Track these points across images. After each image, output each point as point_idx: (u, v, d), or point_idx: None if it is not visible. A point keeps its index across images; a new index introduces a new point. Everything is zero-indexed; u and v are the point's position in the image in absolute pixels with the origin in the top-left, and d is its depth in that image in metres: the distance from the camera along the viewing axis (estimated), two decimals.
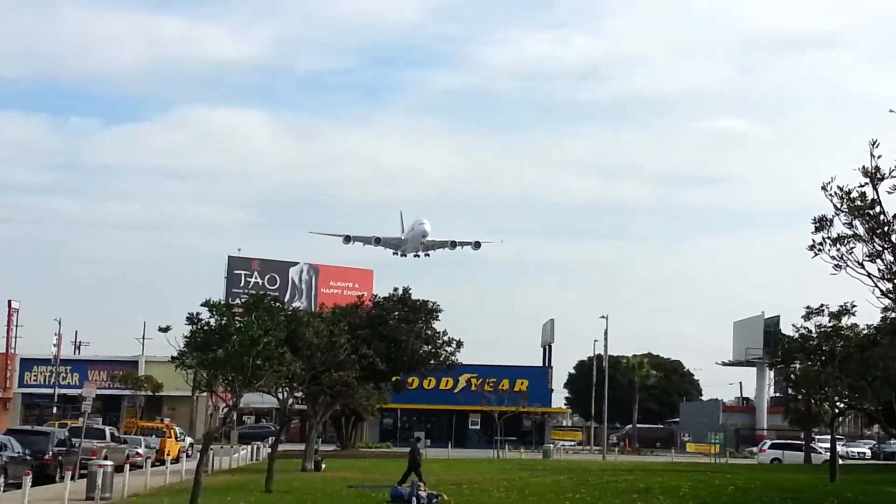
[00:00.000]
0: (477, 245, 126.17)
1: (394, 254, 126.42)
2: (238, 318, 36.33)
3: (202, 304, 30.20)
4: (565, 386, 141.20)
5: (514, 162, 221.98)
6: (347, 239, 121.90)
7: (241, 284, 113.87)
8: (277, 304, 56.51)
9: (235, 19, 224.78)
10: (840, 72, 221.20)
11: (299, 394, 54.55)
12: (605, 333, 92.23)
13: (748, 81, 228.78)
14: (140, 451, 54.29)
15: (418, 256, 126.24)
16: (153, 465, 44.58)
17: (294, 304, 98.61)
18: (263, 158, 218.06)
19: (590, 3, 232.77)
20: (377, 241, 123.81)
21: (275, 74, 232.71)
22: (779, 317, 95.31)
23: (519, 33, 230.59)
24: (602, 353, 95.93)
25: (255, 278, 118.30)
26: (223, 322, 31.38)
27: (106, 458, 40.97)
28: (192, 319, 30.30)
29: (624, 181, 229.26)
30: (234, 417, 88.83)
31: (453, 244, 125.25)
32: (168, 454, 59.63)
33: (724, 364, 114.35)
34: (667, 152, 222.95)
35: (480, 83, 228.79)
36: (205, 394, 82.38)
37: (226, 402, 64.88)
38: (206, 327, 30.35)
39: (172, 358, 30.78)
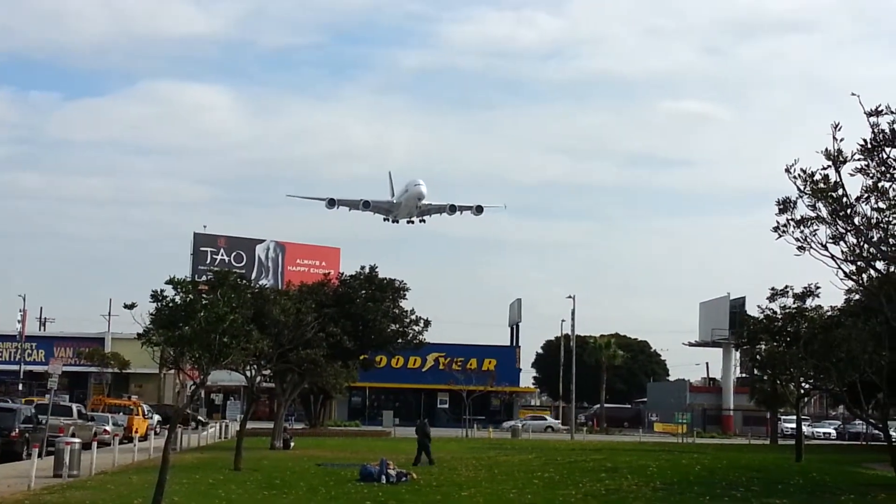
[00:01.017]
0: (479, 209, 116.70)
1: (384, 220, 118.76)
2: (204, 295, 36.34)
3: (167, 282, 30.05)
4: (533, 365, 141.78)
5: (480, 140, 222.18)
6: (331, 203, 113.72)
7: (208, 261, 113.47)
8: (244, 281, 56.46)
9: None
10: (805, 55, 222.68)
11: (267, 371, 54.62)
12: (573, 313, 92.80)
13: (714, 63, 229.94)
14: (108, 428, 54.21)
15: (412, 223, 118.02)
16: (121, 443, 44.52)
17: (261, 282, 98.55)
18: (228, 134, 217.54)
19: None
20: (365, 206, 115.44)
21: (240, 49, 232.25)
22: (744, 298, 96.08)
23: (483, 12, 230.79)
24: (570, 332, 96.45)
25: (222, 255, 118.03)
26: (189, 299, 31.31)
27: (73, 435, 40.89)
28: (157, 297, 30.18)
29: (591, 161, 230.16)
30: (202, 395, 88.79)
31: (452, 208, 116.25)
32: (136, 431, 59.65)
33: (691, 345, 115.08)
34: (634, 133, 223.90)
35: (446, 61, 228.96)
36: (172, 371, 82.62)
37: (193, 379, 64.85)
38: (171, 304, 30.26)
39: (138, 335, 30.72)
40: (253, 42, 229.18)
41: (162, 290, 31.75)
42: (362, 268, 68.06)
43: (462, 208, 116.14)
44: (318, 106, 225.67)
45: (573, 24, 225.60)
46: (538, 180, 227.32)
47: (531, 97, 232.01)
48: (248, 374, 49.49)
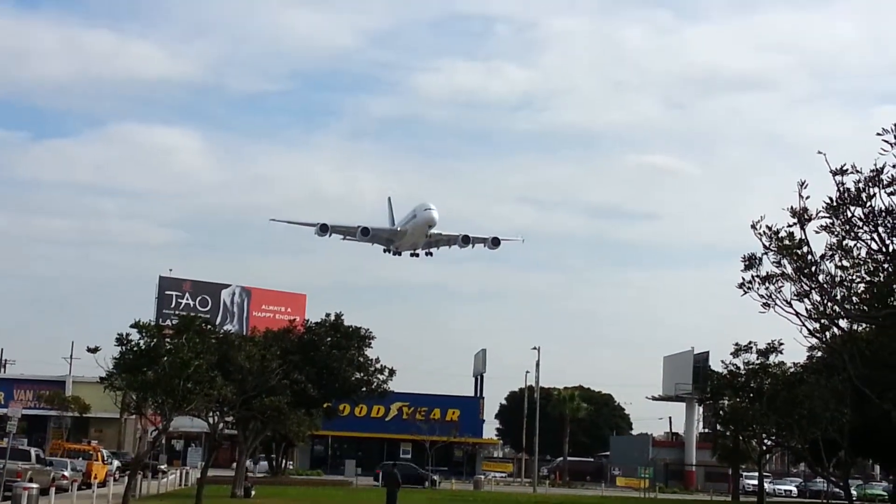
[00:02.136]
0: (496, 242, 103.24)
1: (385, 251, 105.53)
2: (168, 339, 36.12)
3: (132, 326, 30.06)
4: (497, 417, 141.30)
5: (447, 189, 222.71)
6: (323, 229, 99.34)
7: (172, 305, 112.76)
8: (209, 326, 56.24)
9: (168, 37, 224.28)
10: (770, 112, 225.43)
11: (230, 418, 54.23)
12: (537, 365, 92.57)
13: (677, 118, 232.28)
14: (66, 473, 53.38)
15: (416, 255, 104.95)
16: (79, 489, 43.88)
17: (226, 327, 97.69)
18: (196, 178, 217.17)
19: (523, 35, 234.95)
20: (364, 233, 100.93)
21: (209, 94, 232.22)
22: (708, 353, 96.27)
23: (453, 62, 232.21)
24: (534, 384, 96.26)
25: (187, 299, 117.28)
26: (153, 343, 31.19)
27: (31, 480, 40.28)
28: (122, 340, 30.11)
29: (557, 212, 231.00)
30: (163, 441, 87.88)
31: (466, 239, 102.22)
32: (95, 477, 58.79)
33: (654, 399, 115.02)
34: (600, 185, 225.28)
35: (415, 109, 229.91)
36: (133, 416, 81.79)
37: (155, 425, 64.27)
38: (135, 349, 30.13)
39: (101, 379, 30.54)
40: (222, 87, 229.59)
41: (127, 334, 31.68)
42: (328, 315, 68.06)
43: (477, 240, 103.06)
44: (287, 151, 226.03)
45: (542, 76, 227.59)
46: (505, 230, 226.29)
47: (499, 147, 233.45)
48: (210, 420, 49.10)
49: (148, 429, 77.36)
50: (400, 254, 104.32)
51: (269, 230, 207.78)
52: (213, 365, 42.58)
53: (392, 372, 68.61)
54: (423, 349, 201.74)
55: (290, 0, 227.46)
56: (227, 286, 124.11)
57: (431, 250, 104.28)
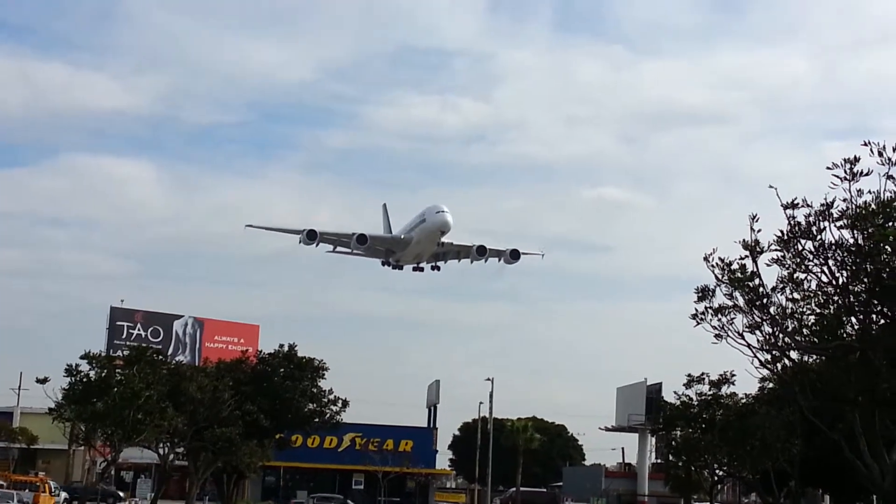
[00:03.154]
0: (514, 255, 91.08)
1: (383, 263, 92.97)
2: (119, 370, 35.69)
3: (81, 357, 29.71)
4: (450, 447, 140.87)
5: (403, 221, 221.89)
6: (311, 236, 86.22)
7: (124, 336, 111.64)
8: (160, 357, 55.85)
9: (124, 69, 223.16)
10: (723, 146, 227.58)
11: (180, 449, 53.75)
12: (491, 396, 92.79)
13: (631, 152, 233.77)
14: None
15: (420, 269, 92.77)
16: None
17: (177, 358, 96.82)
18: (150, 209, 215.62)
19: (478, 70, 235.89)
20: (361, 241, 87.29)
21: (163, 125, 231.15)
22: (661, 384, 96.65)
23: (408, 95, 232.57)
24: (487, 415, 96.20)
25: (139, 330, 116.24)
26: (103, 374, 30.82)
27: None
28: (71, 371, 29.72)
29: (512, 244, 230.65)
30: (112, 472, 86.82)
31: (482, 250, 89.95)
32: None
33: (608, 429, 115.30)
34: (555, 217, 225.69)
35: (370, 142, 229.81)
36: (83, 447, 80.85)
37: (104, 456, 63.57)
38: (85, 379, 29.76)
39: (50, 410, 30.12)
40: (178, 118, 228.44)
41: (76, 365, 31.28)
42: (281, 346, 67.67)
43: (494, 252, 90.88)
44: (241, 183, 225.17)
45: (496, 109, 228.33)
46: (462, 264, 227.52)
47: (454, 180, 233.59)
48: (160, 451, 48.65)
49: (97, 460, 76.55)
50: (401, 267, 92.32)
51: (223, 261, 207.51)
52: (165, 396, 42.22)
53: (345, 403, 68.30)
54: (377, 380, 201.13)
55: (247, 33, 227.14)
56: (179, 317, 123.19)
57: (439, 264, 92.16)
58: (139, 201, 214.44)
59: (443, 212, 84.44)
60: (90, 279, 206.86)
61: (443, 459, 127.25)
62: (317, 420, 68.15)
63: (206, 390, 50.64)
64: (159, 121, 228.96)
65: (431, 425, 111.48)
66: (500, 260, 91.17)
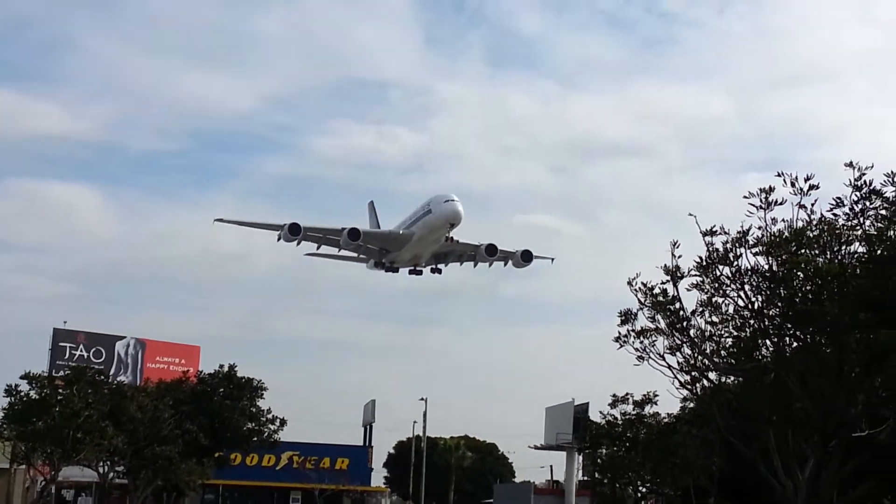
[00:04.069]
0: (526, 257, 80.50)
1: (376, 265, 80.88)
2: (60, 390, 35.08)
3: (21, 377, 29.15)
4: (385, 465, 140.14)
5: None
6: (294, 230, 73.37)
7: (66, 357, 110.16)
8: (101, 377, 55.06)
9: (72, 97, 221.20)
10: (647, 178, 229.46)
11: (121, 468, 53.05)
12: (424, 415, 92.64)
13: (564, 182, 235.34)
14: None
15: (418, 272, 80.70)
16: None
17: (119, 378, 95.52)
18: (94, 234, 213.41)
19: (415, 101, 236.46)
20: (353, 237, 74.61)
21: (109, 153, 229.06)
22: (588, 404, 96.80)
23: (347, 125, 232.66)
24: (421, 434, 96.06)
25: (81, 351, 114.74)
26: (44, 394, 30.28)
27: None
28: (11, 391, 29.16)
29: (450, 270, 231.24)
30: (53, 491, 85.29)
31: (491, 250, 78.73)
32: None
33: (537, 448, 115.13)
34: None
35: (311, 171, 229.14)
36: (23, 467, 79.26)
37: (44, 475, 62.48)
38: (25, 399, 29.23)
39: None
40: (123, 146, 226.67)
41: (16, 385, 30.68)
42: (221, 366, 67.17)
43: (504, 254, 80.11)
44: (183, 209, 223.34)
45: (433, 140, 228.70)
46: (397, 287, 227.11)
47: (392, 208, 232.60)
48: (100, 470, 47.93)
49: (37, 479, 75.17)
50: (396, 270, 79.78)
51: (166, 284, 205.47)
52: (105, 415, 41.57)
53: (283, 422, 67.89)
54: (315, 400, 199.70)
55: (191, 64, 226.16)
56: (121, 338, 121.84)
57: (440, 266, 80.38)
58: (84, 226, 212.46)
59: (452, 200, 72.53)
60: (34, 302, 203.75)
61: (378, 477, 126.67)
62: (255, 438, 67.67)
63: (147, 410, 50.10)
64: (105, 148, 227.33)
65: (367, 444, 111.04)
66: (505, 264, 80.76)
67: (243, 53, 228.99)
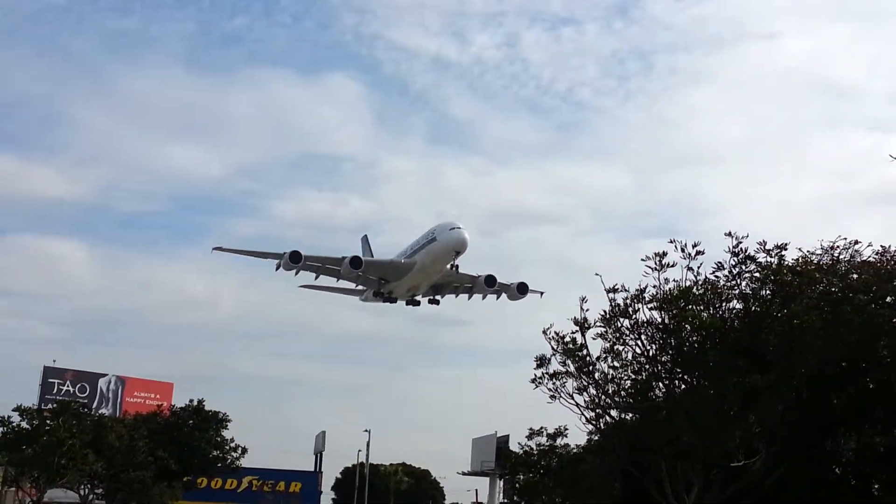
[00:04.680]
0: (522, 289, 70.99)
1: (374, 295, 71.98)
2: (48, 421, 34.26)
3: (14, 409, 28.46)
4: (333, 489, 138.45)
5: (295, 297, 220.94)
6: (295, 258, 65.19)
7: (55, 392, 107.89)
8: (85, 410, 54.00)
9: (67, 163, 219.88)
10: (561, 241, 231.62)
11: (100, 490, 51.92)
12: (368, 445, 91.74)
13: (492, 243, 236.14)
14: None
15: (415, 303, 72.34)
16: None
17: (101, 411, 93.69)
18: (82, 283, 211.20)
19: (366, 172, 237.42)
20: (354, 265, 65.83)
21: (97, 212, 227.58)
22: (508, 436, 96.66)
23: (307, 192, 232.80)
24: (364, 461, 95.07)
25: (68, 387, 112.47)
26: (34, 425, 29.57)
27: None
28: (4, 422, 28.46)
29: (390, 318, 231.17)
30: None
31: (491, 281, 69.92)
32: None
33: (464, 474, 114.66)
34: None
35: (273, 231, 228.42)
36: (13, 489, 77.13)
37: (31, 496, 60.85)
38: (16, 429, 28.53)
39: None
40: (110, 206, 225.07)
41: (9, 417, 29.97)
42: (191, 401, 66.31)
43: (501, 286, 71.32)
44: (162, 262, 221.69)
45: (380, 206, 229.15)
46: (347, 333, 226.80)
47: None
48: (82, 492, 46.81)
49: (25, 500, 73.21)
50: (394, 300, 71.16)
51: (144, 327, 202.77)
52: (87, 443, 40.64)
53: (244, 450, 66.98)
54: (272, 430, 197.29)
55: (172, 136, 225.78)
56: (104, 375, 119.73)
57: (437, 297, 71.72)
58: (74, 276, 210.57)
59: (458, 228, 63.49)
60: (27, 342, 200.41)
61: (327, 500, 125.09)
62: (219, 465, 66.69)
63: (124, 439, 49.09)
64: (94, 208, 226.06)
65: (318, 470, 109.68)
66: (497, 297, 72.08)
67: (219, 128, 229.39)
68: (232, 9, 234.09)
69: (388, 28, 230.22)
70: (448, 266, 65.08)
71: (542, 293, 73.43)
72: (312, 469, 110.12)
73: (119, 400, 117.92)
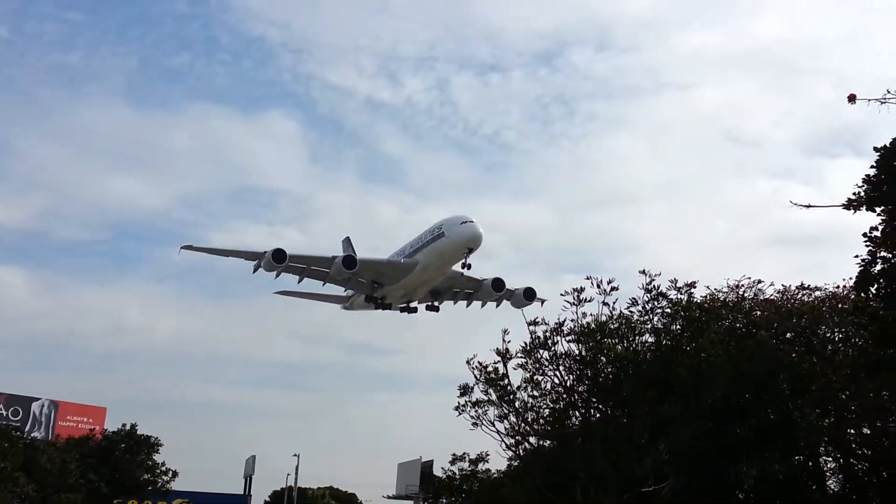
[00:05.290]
0: (529, 295, 60.69)
1: (366, 300, 61.35)
2: None
3: None
4: None
5: (234, 325, 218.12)
6: (279, 257, 55.14)
7: None
8: (17, 433, 52.61)
9: (6, 190, 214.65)
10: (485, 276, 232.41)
11: None
12: (296, 468, 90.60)
13: None
14: None
15: (412, 310, 62.59)
16: None
17: (33, 434, 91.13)
18: (19, 308, 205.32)
19: (300, 206, 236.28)
20: (348, 265, 56.40)
21: (37, 239, 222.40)
22: (433, 461, 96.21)
23: (244, 225, 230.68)
24: (293, 484, 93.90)
25: (1, 410, 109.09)
26: None
27: None
28: None
29: (321, 347, 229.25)
30: None
31: (499, 285, 61.22)
32: None
33: (390, 497, 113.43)
34: (355, 326, 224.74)
35: (212, 260, 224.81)
36: None
37: None
38: None
39: None
40: (49, 233, 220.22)
41: None
42: (124, 425, 65.28)
43: (508, 292, 62.02)
44: (99, 289, 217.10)
45: (313, 238, 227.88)
46: (280, 359, 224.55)
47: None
48: None
49: None
50: (389, 306, 60.73)
51: (80, 352, 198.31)
52: (19, 466, 39.54)
53: (175, 473, 66.03)
54: (203, 454, 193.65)
55: (113, 166, 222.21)
56: (37, 399, 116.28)
57: (436, 303, 62.49)
58: (10, 301, 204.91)
59: (471, 222, 54.30)
60: None
61: None
62: (150, 487, 65.51)
63: (56, 462, 47.86)
64: (33, 235, 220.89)
65: (247, 493, 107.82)
66: (498, 304, 63.01)
67: (159, 160, 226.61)
68: (174, 46, 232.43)
69: (324, 69, 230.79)
70: (459, 266, 55.18)
71: (543, 301, 61.47)
72: (242, 492, 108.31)
73: (52, 424, 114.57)
